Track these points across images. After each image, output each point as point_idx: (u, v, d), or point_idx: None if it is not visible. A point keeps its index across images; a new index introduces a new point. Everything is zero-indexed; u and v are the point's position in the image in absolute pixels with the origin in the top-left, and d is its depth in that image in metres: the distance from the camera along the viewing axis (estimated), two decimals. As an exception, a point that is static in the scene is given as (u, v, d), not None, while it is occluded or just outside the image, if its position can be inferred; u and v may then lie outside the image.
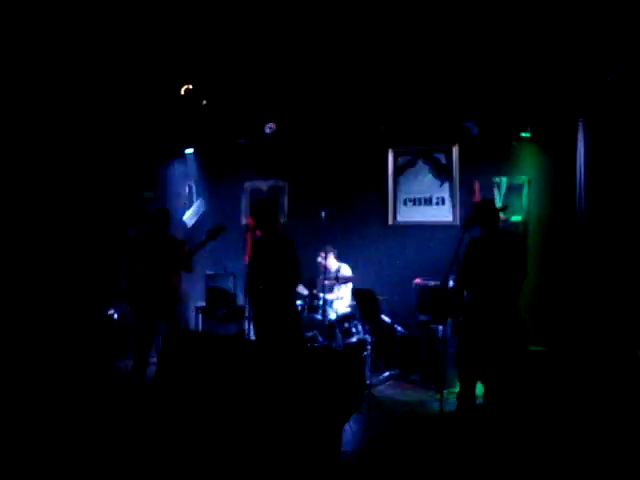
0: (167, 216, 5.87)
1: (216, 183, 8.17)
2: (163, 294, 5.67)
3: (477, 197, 6.46)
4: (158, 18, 5.04)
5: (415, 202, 7.04)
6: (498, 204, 6.15)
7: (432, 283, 6.14)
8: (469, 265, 4.81)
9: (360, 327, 6.40)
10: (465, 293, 5.09)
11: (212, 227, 5.79)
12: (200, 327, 7.15)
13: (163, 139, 7.64)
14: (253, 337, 5.48)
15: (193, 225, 7.85)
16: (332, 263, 6.72)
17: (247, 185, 8.17)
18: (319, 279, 6.68)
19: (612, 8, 4.53)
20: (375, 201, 7.25)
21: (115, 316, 6.20)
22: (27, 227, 6.50)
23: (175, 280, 5.83)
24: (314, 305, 6.38)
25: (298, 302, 6.25)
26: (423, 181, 7.01)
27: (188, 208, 7.93)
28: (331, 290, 6.81)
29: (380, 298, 6.04)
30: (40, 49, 5.41)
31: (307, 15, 4.93)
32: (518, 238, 4.94)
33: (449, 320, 5.05)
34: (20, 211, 6.40)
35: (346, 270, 6.71)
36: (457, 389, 5.06)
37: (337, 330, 6.28)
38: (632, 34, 4.68)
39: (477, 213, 4.78)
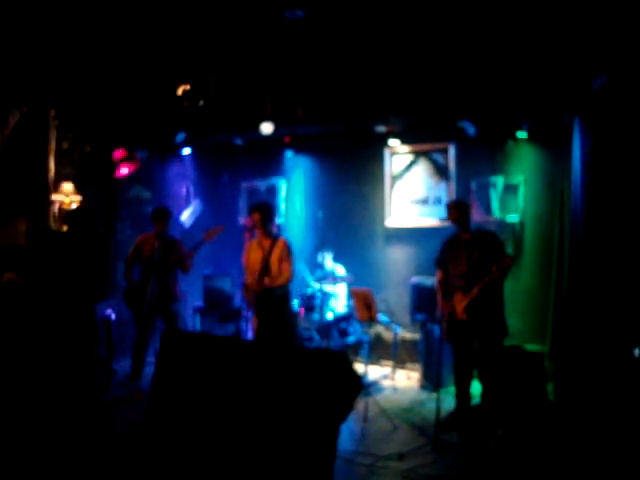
0: (166, 215, 5.89)
1: (213, 183, 8.18)
2: (161, 293, 5.69)
3: (473, 197, 6.49)
4: (156, 18, 5.04)
5: (412, 202, 7.04)
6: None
7: (428, 282, 6.15)
8: (450, 266, 4.85)
9: (357, 327, 6.42)
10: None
11: (209, 228, 5.82)
12: (198, 327, 7.15)
13: (161, 139, 7.64)
14: (250, 337, 5.50)
15: (191, 225, 7.85)
16: (328, 264, 6.72)
17: (244, 185, 8.17)
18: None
19: (607, 6, 4.54)
20: (372, 201, 7.26)
21: (113, 316, 6.20)
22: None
23: (173, 279, 5.86)
24: (311, 304, 6.38)
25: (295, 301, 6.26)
26: (420, 181, 7.02)
27: (185, 208, 7.94)
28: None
29: (377, 297, 6.05)
30: (36, 44, 5.41)
31: (305, 14, 4.93)
32: (493, 234, 4.97)
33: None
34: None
35: (340, 272, 6.71)
36: (454, 388, 5.07)
37: (334, 330, 6.29)
38: (628, 31, 4.69)
39: (461, 213, 4.83)
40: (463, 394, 4.81)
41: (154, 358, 5.32)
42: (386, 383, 6.22)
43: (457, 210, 4.85)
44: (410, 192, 7.06)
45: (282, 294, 5.12)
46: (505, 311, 4.79)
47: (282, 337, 5.02)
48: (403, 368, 6.63)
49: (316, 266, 6.69)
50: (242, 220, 7.96)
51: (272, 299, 5.07)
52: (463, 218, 4.83)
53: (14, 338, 5.45)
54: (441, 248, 4.99)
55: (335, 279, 6.52)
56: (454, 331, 4.79)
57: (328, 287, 6.53)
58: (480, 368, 4.72)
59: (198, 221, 7.88)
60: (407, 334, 6.65)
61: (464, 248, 4.77)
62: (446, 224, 6.65)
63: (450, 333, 4.82)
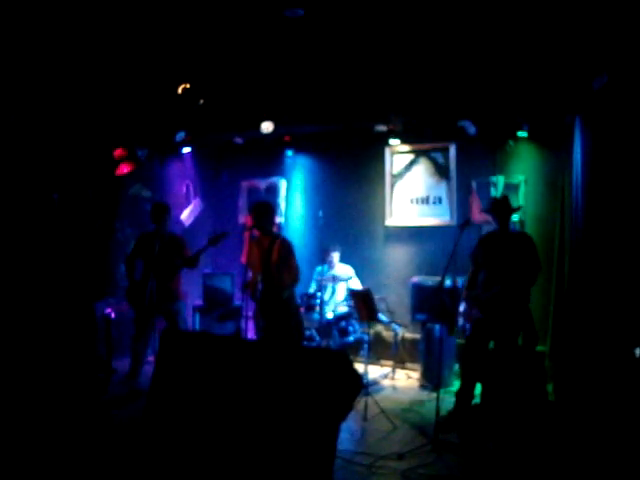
0: (165, 211, 5.87)
1: (213, 182, 8.18)
2: (162, 292, 5.67)
3: (474, 196, 6.47)
4: (156, 17, 5.03)
5: (412, 201, 7.03)
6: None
7: (429, 282, 6.15)
8: (482, 263, 4.82)
9: (357, 326, 6.41)
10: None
11: (214, 233, 5.79)
12: (197, 326, 7.15)
13: (160, 137, 7.63)
14: (250, 336, 5.49)
15: (190, 224, 7.85)
16: (335, 263, 6.70)
17: (244, 184, 8.16)
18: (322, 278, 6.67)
19: (607, 7, 4.54)
20: (372, 200, 7.25)
21: (112, 315, 6.20)
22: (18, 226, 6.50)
23: (174, 278, 5.84)
24: (311, 304, 6.37)
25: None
26: (420, 180, 7.01)
27: (185, 207, 7.93)
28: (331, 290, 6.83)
29: (377, 297, 6.05)
30: (36, 47, 5.41)
31: (305, 14, 4.92)
32: (529, 237, 4.96)
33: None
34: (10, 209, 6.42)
35: (347, 271, 6.68)
36: (454, 388, 5.05)
37: (334, 329, 6.28)
38: (628, 31, 4.69)
39: (506, 210, 4.80)
40: (466, 392, 4.79)
41: (153, 357, 5.32)
42: (386, 383, 6.21)
43: (503, 206, 4.80)
44: (410, 191, 7.05)
45: (289, 296, 5.13)
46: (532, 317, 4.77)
47: (288, 338, 5.04)
48: (403, 368, 6.62)
49: (323, 264, 6.68)
50: (242, 219, 7.95)
51: (279, 301, 5.07)
52: (506, 216, 4.79)
53: (13, 337, 5.44)
54: (476, 244, 4.97)
55: (335, 279, 6.51)
56: (471, 328, 4.79)
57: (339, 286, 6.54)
58: (488, 368, 4.70)
59: (198, 220, 7.88)
60: (407, 334, 6.65)
61: (498, 247, 4.75)
62: (447, 224, 6.68)
63: (469, 329, 4.81)
